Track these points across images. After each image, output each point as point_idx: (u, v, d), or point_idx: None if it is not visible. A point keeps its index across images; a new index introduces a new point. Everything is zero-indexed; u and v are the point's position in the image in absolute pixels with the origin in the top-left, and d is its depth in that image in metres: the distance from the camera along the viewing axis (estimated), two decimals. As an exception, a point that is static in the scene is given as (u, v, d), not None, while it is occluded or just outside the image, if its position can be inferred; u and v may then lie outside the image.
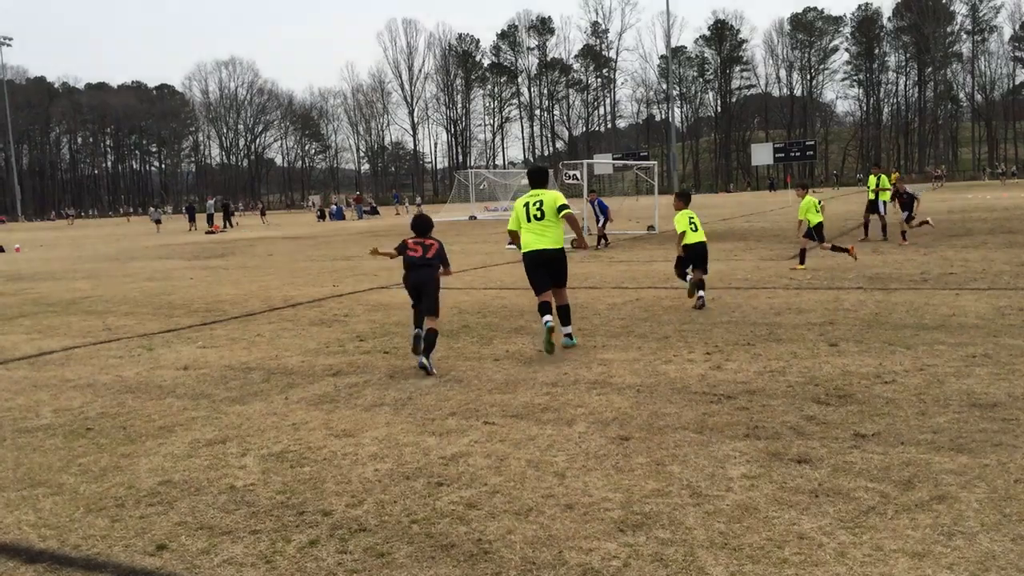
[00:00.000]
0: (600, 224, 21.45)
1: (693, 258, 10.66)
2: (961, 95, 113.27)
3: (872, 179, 19.80)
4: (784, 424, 5.27)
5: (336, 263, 19.76)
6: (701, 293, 10.36)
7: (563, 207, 8.08)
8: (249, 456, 5.16)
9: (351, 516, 4.11)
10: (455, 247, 23.00)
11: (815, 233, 14.16)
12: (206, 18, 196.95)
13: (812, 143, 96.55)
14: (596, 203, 22.10)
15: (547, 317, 7.98)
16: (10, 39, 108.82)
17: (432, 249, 7.80)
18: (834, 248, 14.24)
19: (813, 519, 3.81)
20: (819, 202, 14.64)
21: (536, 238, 8.13)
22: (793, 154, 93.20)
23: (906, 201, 18.37)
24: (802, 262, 14.14)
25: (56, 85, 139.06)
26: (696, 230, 10.70)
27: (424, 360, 7.29)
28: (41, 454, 5.42)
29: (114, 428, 5.96)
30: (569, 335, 8.31)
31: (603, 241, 21.11)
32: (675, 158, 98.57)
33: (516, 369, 7.29)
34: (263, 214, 64.90)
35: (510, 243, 9.25)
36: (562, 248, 8.21)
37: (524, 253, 8.23)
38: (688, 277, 10.69)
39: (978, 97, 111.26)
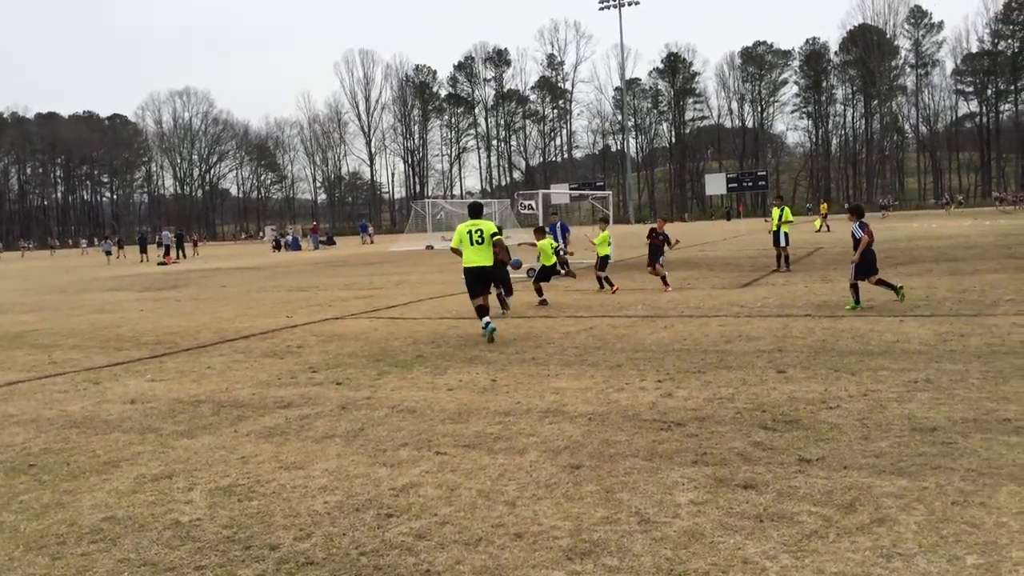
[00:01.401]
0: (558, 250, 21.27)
1: (546, 275, 15.41)
2: (907, 127, 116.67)
3: (776, 211, 19.92)
4: (731, 450, 5.35)
5: (291, 294, 19.60)
6: (545, 299, 14.47)
7: (495, 234, 10.97)
8: (196, 491, 5.08)
9: (299, 550, 4.07)
10: (411, 277, 22.99)
11: (601, 262, 16.89)
12: (160, 47, 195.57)
13: (764, 173, 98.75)
14: (556, 226, 21.84)
15: (486, 319, 10.61)
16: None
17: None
18: (600, 279, 16.81)
19: (757, 544, 3.87)
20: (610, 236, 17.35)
21: (476, 257, 10.88)
22: (746, 184, 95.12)
23: (660, 243, 16.63)
24: (610, 285, 16.35)
25: (5, 115, 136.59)
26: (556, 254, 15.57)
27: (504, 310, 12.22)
28: (-20, 492, 5.29)
29: (57, 464, 5.84)
30: (492, 320, 10.78)
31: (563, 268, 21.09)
32: (631, 188, 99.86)
33: (469, 398, 7.30)
34: (195, 245, 63.27)
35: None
36: (491, 265, 10.96)
37: (466, 268, 10.93)
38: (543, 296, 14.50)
39: (923, 128, 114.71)
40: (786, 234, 19.62)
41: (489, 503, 4.60)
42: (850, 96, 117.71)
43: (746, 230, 47.82)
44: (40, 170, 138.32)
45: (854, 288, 12.05)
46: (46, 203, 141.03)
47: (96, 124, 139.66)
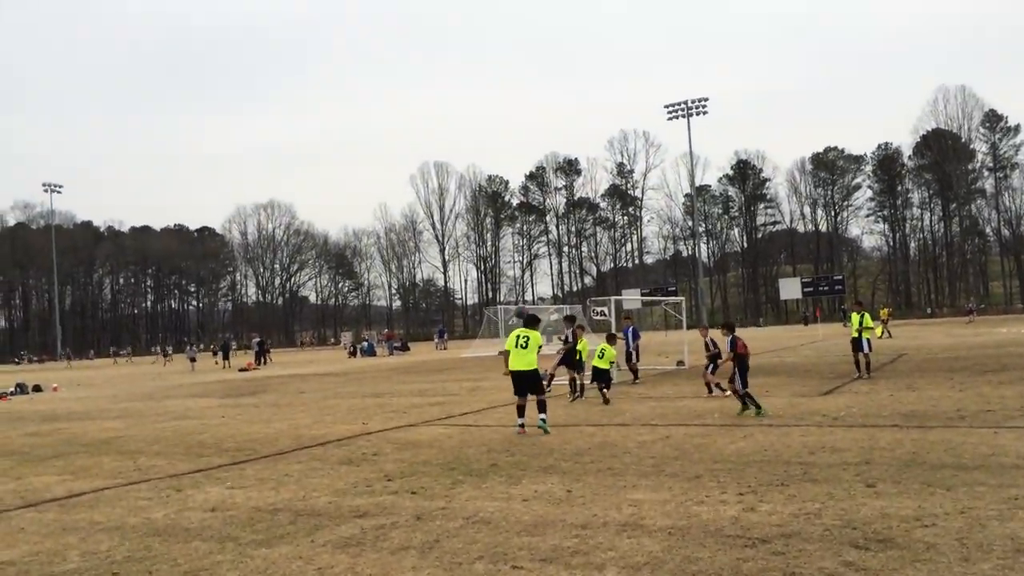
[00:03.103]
0: (630, 352, 21.21)
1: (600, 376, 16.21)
2: (988, 230, 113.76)
3: (855, 317, 19.33)
4: (821, 570, 5.11)
5: (366, 400, 19.81)
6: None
7: (539, 347, 12.39)
8: (274, 602, 5.07)
9: (375, 667, 4.00)
10: (484, 383, 23.02)
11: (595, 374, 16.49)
12: (247, 164, 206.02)
13: (840, 277, 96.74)
14: (629, 330, 21.82)
15: (521, 420, 12.09)
16: (60, 186, 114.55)
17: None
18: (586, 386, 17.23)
19: (855, 673, 3.65)
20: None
21: (518, 361, 12.20)
22: (822, 288, 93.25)
23: (715, 352, 15.81)
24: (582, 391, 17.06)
25: (102, 229, 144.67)
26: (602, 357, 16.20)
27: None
28: (66, 599, 5.38)
29: (140, 573, 5.92)
30: (543, 420, 12.06)
31: (634, 375, 21.01)
32: (703, 293, 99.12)
33: (545, 510, 7.18)
34: (267, 353, 53.85)
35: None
36: (535, 368, 12.23)
37: (511, 370, 12.26)
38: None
39: (1005, 232, 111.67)
40: (867, 340, 19.13)
41: (568, 622, 4.47)
42: (927, 200, 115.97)
43: (824, 335, 46.72)
44: (132, 280, 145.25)
45: (747, 396, 12.96)
46: (136, 311, 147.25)
47: (186, 236, 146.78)
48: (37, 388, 34.01)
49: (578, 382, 17.04)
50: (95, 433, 15.63)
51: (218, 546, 6.54)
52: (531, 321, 13.02)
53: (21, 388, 33.49)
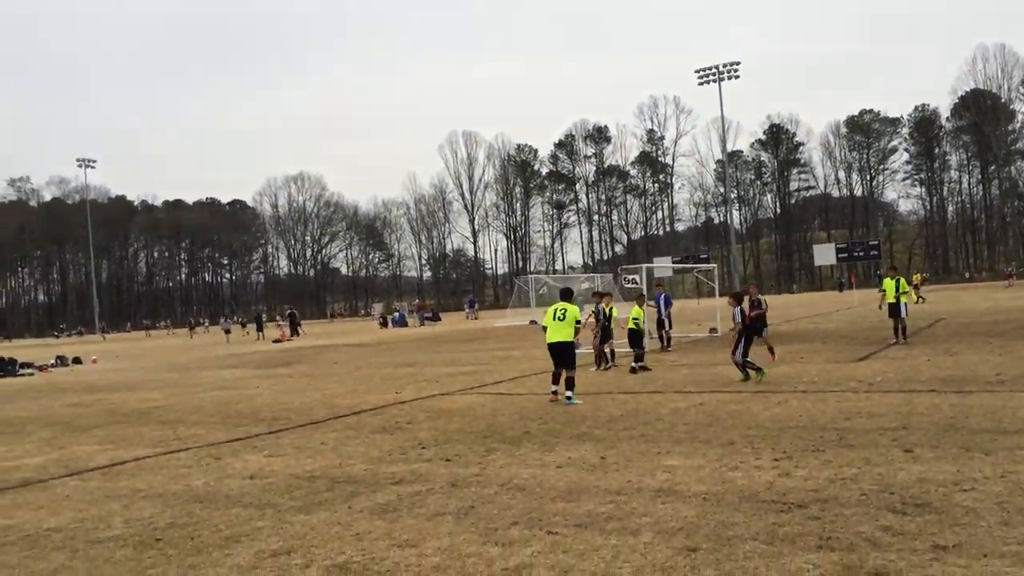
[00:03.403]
0: (662, 320, 21.24)
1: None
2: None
3: (889, 283, 19.01)
4: (859, 535, 5.08)
5: (399, 370, 19.96)
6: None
7: (577, 320, 12.48)
8: (313, 567, 5.16)
9: (414, 630, 4.06)
10: (516, 352, 23.08)
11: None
12: (277, 136, 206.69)
13: (876, 243, 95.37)
14: (661, 297, 21.79)
15: (554, 387, 12.39)
16: (94, 161, 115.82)
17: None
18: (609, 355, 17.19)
19: (894, 637, 3.63)
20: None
21: (554, 333, 12.34)
22: (856, 254, 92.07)
23: (760, 312, 15.51)
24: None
25: (136, 203, 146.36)
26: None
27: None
28: (111, 565, 5.51)
29: (182, 538, 6.04)
30: (569, 397, 12.04)
31: (666, 342, 21.04)
32: (735, 260, 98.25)
33: (579, 476, 7.20)
34: (299, 325, 51.87)
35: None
36: (571, 341, 12.28)
37: (548, 343, 12.42)
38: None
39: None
40: (905, 305, 18.87)
41: (604, 586, 4.49)
42: (965, 162, 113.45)
43: (859, 301, 46.16)
44: (166, 253, 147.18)
45: (747, 363, 13.28)
46: (171, 284, 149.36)
47: (217, 210, 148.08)
48: (77, 360, 34.71)
49: (608, 350, 17.03)
50: (135, 403, 15.94)
51: (258, 512, 6.66)
52: (566, 294, 13.11)
53: (61, 360, 34.21)
